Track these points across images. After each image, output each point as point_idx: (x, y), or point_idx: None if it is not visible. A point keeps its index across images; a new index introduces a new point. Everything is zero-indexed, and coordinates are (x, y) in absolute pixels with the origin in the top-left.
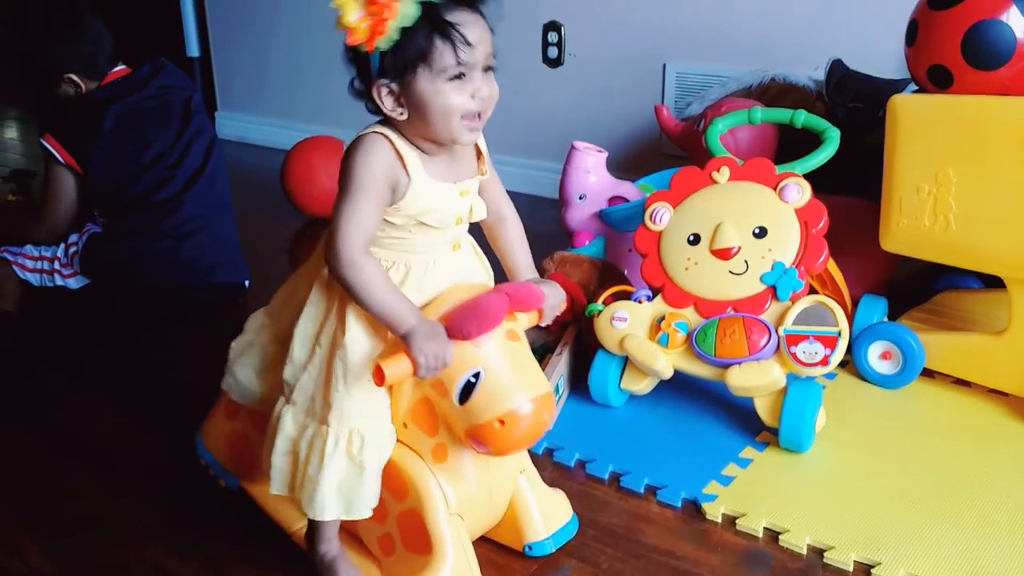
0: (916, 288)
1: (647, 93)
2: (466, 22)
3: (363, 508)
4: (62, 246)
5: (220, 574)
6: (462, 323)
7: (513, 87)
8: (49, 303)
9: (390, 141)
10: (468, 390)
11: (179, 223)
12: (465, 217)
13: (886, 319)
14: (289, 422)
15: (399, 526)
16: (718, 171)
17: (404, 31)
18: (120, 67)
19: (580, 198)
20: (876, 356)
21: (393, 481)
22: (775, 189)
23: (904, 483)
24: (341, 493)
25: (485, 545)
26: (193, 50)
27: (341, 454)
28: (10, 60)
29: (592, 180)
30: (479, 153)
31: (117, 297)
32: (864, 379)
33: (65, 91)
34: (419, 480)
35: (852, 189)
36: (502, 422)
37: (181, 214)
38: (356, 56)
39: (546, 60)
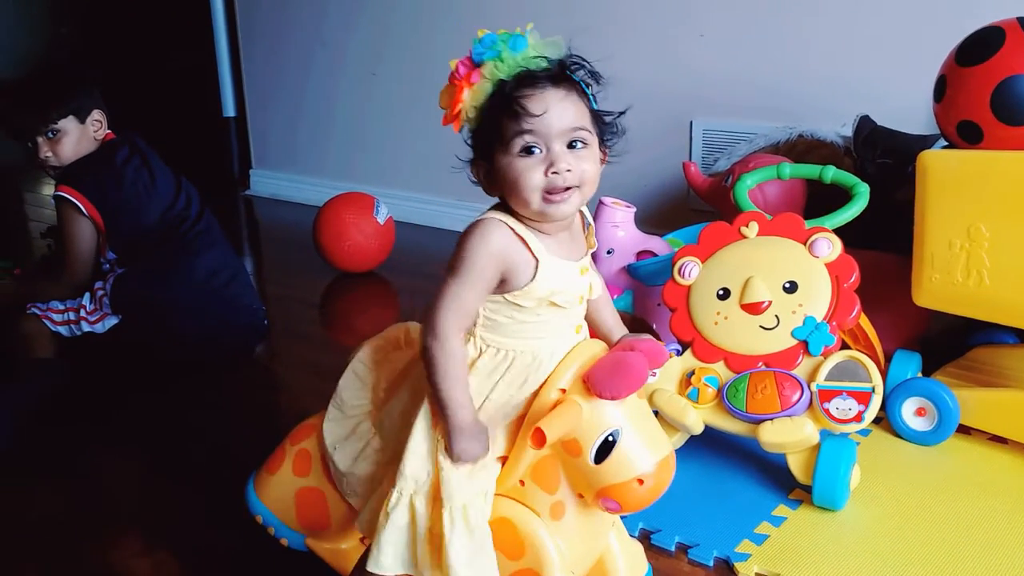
0: (950, 343)
1: (674, 149)
2: (533, 94)
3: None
4: (87, 295)
5: None
6: (610, 382)
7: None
8: (78, 352)
9: (508, 226)
10: (606, 450)
11: (204, 257)
12: (586, 295)
13: (920, 375)
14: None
15: None
16: (747, 226)
17: (481, 111)
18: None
19: (608, 252)
20: (911, 412)
21: (508, 540)
22: (805, 244)
23: (940, 543)
24: (472, 568)
25: None
26: (229, 110)
27: (460, 529)
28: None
29: (620, 235)
30: (587, 227)
31: (143, 334)
32: (898, 436)
33: (87, 130)
34: (537, 539)
35: (882, 244)
36: (641, 482)
37: (201, 241)
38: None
39: None
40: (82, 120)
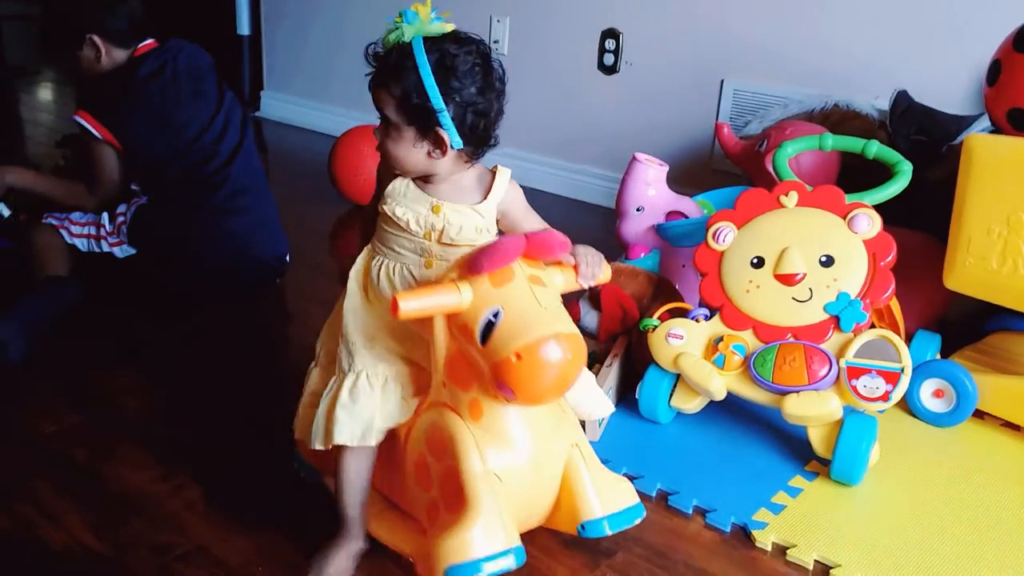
0: (968, 327)
1: (702, 108)
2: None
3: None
4: (106, 214)
5: (270, 560)
6: (477, 259)
7: (565, 92)
8: (97, 269)
9: None
10: (489, 329)
11: (226, 197)
12: (436, 233)
13: (938, 356)
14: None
15: (441, 488)
16: (786, 195)
17: None
18: (148, 41)
19: (637, 210)
20: (928, 393)
21: (435, 441)
22: (844, 218)
23: (954, 524)
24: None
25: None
26: (244, 28)
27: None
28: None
29: (651, 193)
30: (488, 197)
31: (162, 269)
32: (913, 415)
33: (87, 55)
34: (455, 433)
35: (910, 223)
36: (519, 356)
37: (227, 188)
38: None
39: (601, 67)
40: (79, 49)
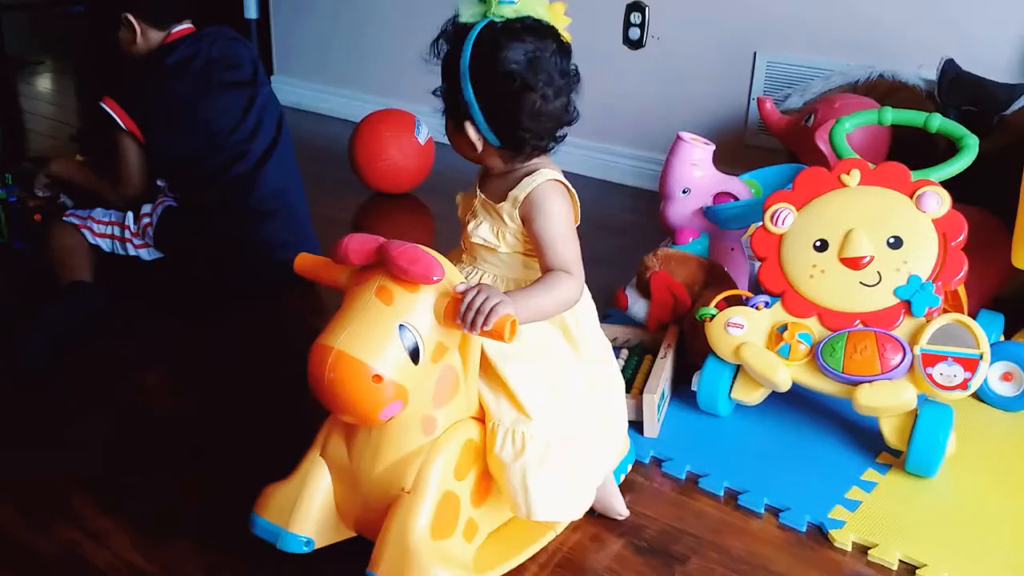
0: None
1: (734, 82)
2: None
3: None
4: (130, 214)
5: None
6: (339, 247)
7: (589, 67)
8: (121, 272)
9: None
10: None
11: (258, 201)
12: (472, 228)
13: (1002, 337)
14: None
15: None
16: (848, 174)
17: None
18: (186, 24)
19: (683, 192)
20: (996, 377)
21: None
22: (911, 197)
23: None
24: None
25: None
26: (251, 11)
27: None
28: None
29: (697, 175)
30: (510, 191)
31: (190, 272)
32: (981, 400)
33: (124, 36)
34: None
35: (962, 196)
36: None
37: (259, 192)
38: None
39: (626, 41)
40: (117, 29)
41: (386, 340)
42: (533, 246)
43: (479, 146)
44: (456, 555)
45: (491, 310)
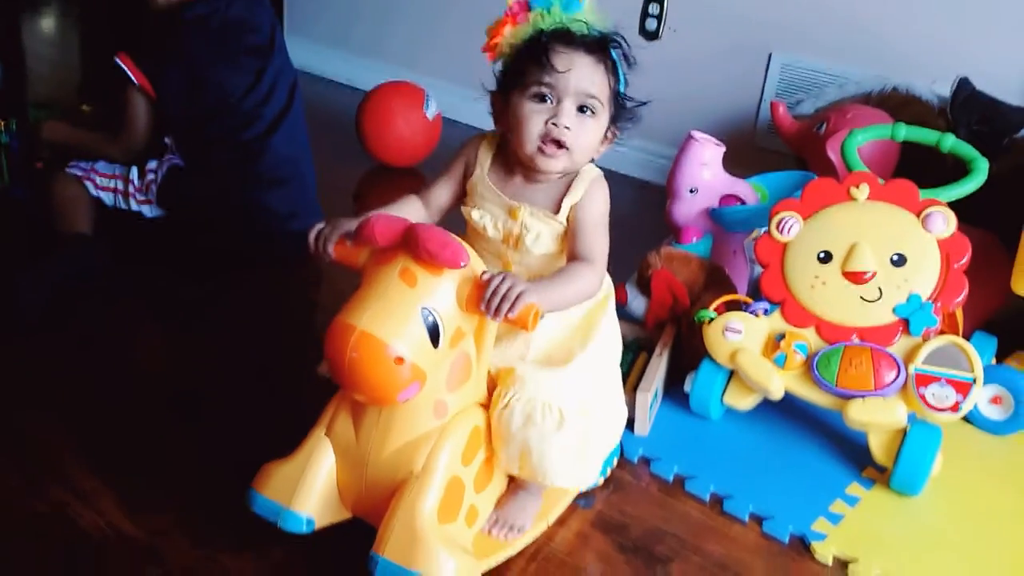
0: (1017, 327)
1: (748, 82)
2: (564, 52)
3: None
4: (135, 169)
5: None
6: (363, 228)
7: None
8: (123, 227)
9: (484, 139)
10: None
11: (267, 167)
12: (513, 239)
13: (994, 360)
14: None
15: None
16: (857, 187)
17: (515, 50)
18: None
19: (691, 192)
20: (985, 400)
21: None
22: (918, 216)
23: (1022, 540)
24: None
25: None
26: None
27: None
28: None
29: (706, 176)
30: (565, 198)
31: (191, 233)
32: (969, 422)
33: None
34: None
35: (966, 218)
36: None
37: (268, 158)
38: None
39: (643, 31)
40: None
41: (409, 322)
42: (568, 230)
43: (602, 150)
44: (459, 539)
45: (517, 298)
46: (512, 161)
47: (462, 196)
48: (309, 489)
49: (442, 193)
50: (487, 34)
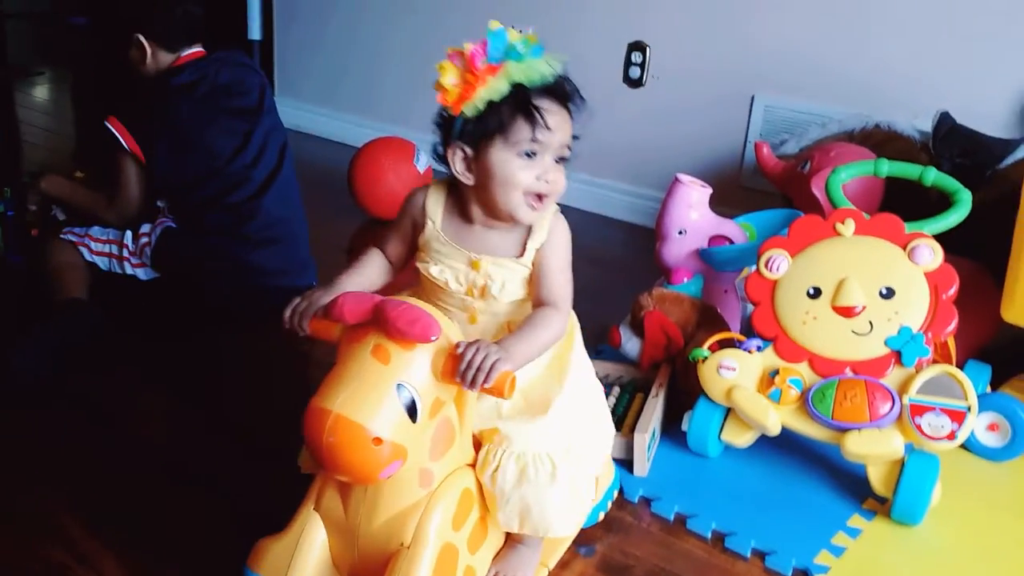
0: (1012, 355)
1: (731, 124)
2: (551, 109)
3: None
4: (129, 233)
5: None
6: (333, 306)
7: (589, 105)
8: (117, 291)
9: (428, 191)
10: None
11: (258, 228)
12: (478, 290)
13: (989, 388)
14: None
15: None
16: (843, 223)
17: (491, 104)
18: (196, 48)
19: (680, 233)
20: (982, 427)
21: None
22: (904, 249)
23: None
24: None
25: None
26: (255, 33)
27: None
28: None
29: (694, 217)
30: (529, 241)
31: (187, 294)
32: (967, 449)
33: (134, 56)
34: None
35: (952, 249)
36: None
37: (260, 219)
38: (443, 120)
39: (627, 80)
40: (127, 48)
41: (384, 401)
42: (533, 273)
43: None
44: None
45: (492, 367)
46: (468, 210)
47: (415, 251)
48: (303, 566)
49: (397, 247)
50: (443, 83)
